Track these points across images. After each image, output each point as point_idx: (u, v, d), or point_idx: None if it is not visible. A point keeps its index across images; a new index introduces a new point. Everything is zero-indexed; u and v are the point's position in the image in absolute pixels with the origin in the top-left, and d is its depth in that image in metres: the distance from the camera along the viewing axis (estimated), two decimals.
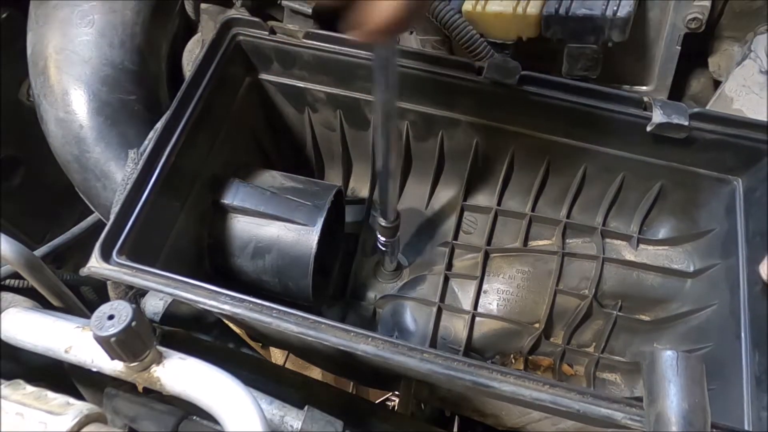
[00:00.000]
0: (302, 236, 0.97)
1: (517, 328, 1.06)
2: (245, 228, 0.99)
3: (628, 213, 1.05)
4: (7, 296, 0.78)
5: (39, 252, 1.19)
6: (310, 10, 1.06)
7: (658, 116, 0.86)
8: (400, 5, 0.52)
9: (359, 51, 0.94)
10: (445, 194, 1.14)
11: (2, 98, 1.23)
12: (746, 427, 0.76)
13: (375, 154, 0.80)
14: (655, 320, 1.03)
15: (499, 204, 1.10)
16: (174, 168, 0.85)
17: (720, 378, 0.85)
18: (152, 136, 0.94)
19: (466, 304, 1.08)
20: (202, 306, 0.71)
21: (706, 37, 1.05)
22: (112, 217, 0.78)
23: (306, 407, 0.73)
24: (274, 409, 0.74)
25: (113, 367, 0.67)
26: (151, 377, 0.66)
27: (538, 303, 1.06)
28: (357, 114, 1.05)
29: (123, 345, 0.61)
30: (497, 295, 1.08)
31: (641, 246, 1.06)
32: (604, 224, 1.07)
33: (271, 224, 0.98)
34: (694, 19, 0.97)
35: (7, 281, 1.02)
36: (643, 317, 1.05)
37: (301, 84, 1.03)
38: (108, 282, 0.98)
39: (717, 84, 1.08)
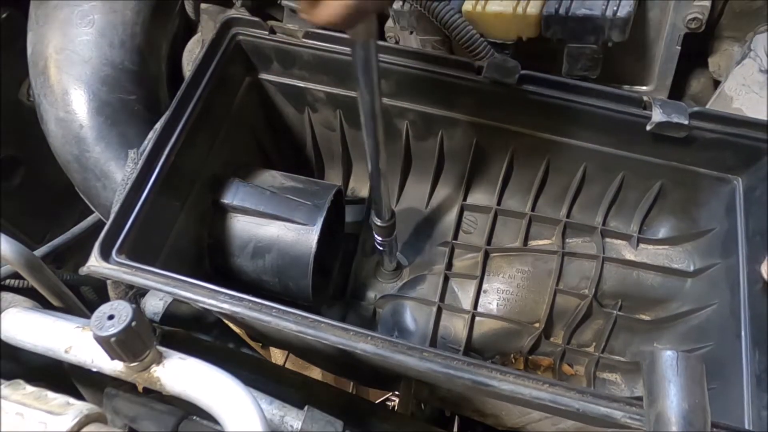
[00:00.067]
0: (302, 236, 0.97)
1: (517, 328, 1.06)
2: (245, 227, 0.99)
3: (628, 212, 1.05)
4: (7, 296, 0.78)
5: (39, 252, 1.19)
6: None
7: (657, 115, 0.86)
8: (345, 5, 0.56)
9: None
10: (445, 194, 1.14)
11: (2, 98, 1.23)
12: (746, 426, 0.76)
13: (367, 154, 0.80)
14: (656, 320, 1.03)
15: (498, 203, 1.10)
16: (174, 168, 0.85)
17: (720, 377, 0.85)
18: (152, 135, 0.94)
19: (466, 303, 1.08)
20: (201, 305, 0.71)
21: (706, 37, 1.05)
22: (111, 217, 0.78)
23: (306, 407, 0.73)
24: (274, 409, 0.74)
25: (113, 367, 0.67)
26: (151, 377, 0.66)
27: (538, 303, 1.06)
28: (357, 114, 1.02)
29: (123, 345, 0.61)
30: (497, 295, 1.08)
31: (641, 245, 1.05)
32: (604, 224, 1.07)
33: (270, 224, 0.98)
34: (694, 19, 0.97)
35: (7, 281, 1.02)
36: (643, 317, 1.05)
37: (301, 84, 1.03)
38: (108, 282, 0.98)
39: (717, 84, 1.08)
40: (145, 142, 0.95)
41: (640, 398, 0.62)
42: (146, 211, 0.81)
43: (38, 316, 0.74)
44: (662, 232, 1.05)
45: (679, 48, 1.01)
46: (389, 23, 1.13)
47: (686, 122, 0.86)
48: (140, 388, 0.71)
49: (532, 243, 1.10)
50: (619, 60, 1.05)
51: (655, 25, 1.02)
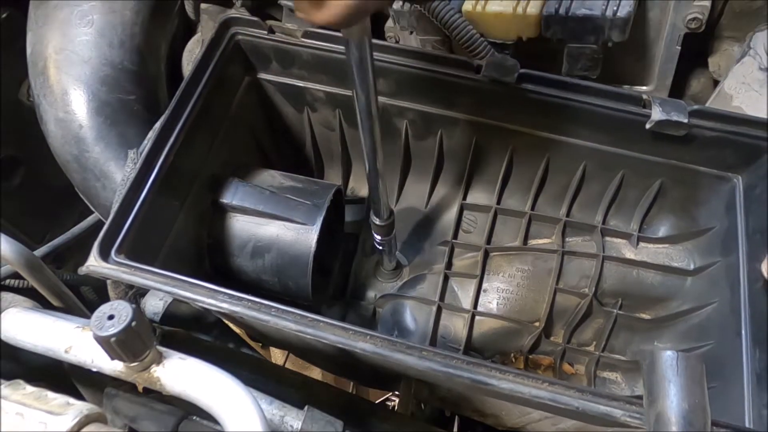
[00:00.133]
0: (301, 235, 0.97)
1: (517, 327, 1.06)
2: (244, 227, 0.99)
3: (628, 211, 1.05)
4: (7, 296, 0.78)
5: (39, 252, 1.19)
6: None
7: (657, 113, 0.86)
8: (346, 5, 0.55)
9: None
10: (445, 193, 1.14)
11: (2, 98, 1.23)
12: (747, 425, 0.76)
13: (364, 154, 0.80)
14: (656, 318, 1.03)
15: (498, 203, 1.10)
16: (173, 167, 0.85)
17: (721, 376, 0.85)
18: (151, 135, 0.94)
19: (466, 303, 1.08)
20: (200, 304, 0.71)
21: (706, 37, 1.05)
22: (110, 217, 0.78)
23: (306, 407, 0.73)
24: (274, 409, 0.74)
25: (113, 367, 0.67)
26: (151, 377, 0.66)
27: (538, 302, 1.06)
28: (356, 113, 1.05)
29: (123, 345, 0.61)
30: (497, 294, 1.08)
31: (641, 244, 1.05)
32: (603, 222, 1.07)
33: (270, 223, 0.98)
34: (694, 19, 0.97)
35: (7, 281, 1.02)
36: (643, 315, 1.05)
37: (300, 83, 1.03)
38: (108, 282, 0.98)
39: (717, 84, 1.08)
40: (145, 141, 0.95)
41: (639, 397, 0.62)
42: (145, 211, 0.81)
43: (38, 316, 0.74)
44: (662, 231, 1.04)
45: (679, 48, 1.02)
46: (389, 23, 1.13)
47: (686, 120, 0.85)
48: (140, 388, 0.71)
49: (532, 242, 1.10)
50: (619, 60, 1.05)
51: (655, 25, 1.02)
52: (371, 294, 1.13)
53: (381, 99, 0.96)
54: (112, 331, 0.60)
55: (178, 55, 1.28)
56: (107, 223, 0.78)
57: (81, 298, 0.89)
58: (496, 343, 1.07)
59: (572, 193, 1.06)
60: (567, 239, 1.08)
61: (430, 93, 0.98)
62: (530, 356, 1.08)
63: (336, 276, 1.13)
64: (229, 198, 0.98)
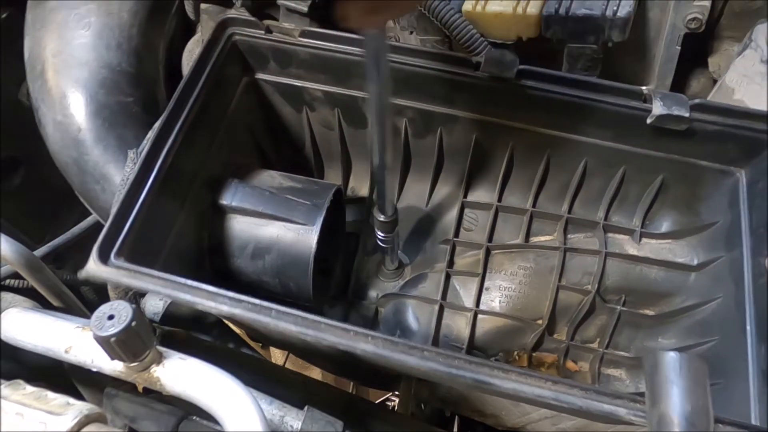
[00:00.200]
0: (302, 236, 0.96)
1: (520, 325, 1.05)
2: (244, 228, 0.98)
3: (630, 207, 1.04)
4: (7, 296, 0.79)
5: (39, 252, 1.19)
6: (305, 8, 1.05)
7: (658, 108, 0.85)
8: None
9: (356, 49, 0.94)
10: (445, 191, 1.13)
11: (2, 98, 1.23)
12: (753, 422, 0.75)
13: (371, 148, 0.80)
14: (660, 314, 1.02)
15: (499, 200, 1.09)
16: (172, 169, 0.85)
17: (726, 372, 0.84)
18: (151, 135, 0.94)
19: (468, 301, 1.07)
20: (200, 307, 0.71)
21: (706, 37, 1.05)
22: (109, 219, 0.78)
23: (306, 407, 0.73)
24: (274, 409, 0.74)
25: (113, 367, 0.67)
26: (151, 377, 0.66)
27: (540, 299, 1.06)
28: (355, 112, 1.05)
29: (123, 345, 0.61)
30: (499, 292, 1.07)
31: (644, 240, 1.05)
32: (605, 219, 1.06)
33: (270, 224, 0.97)
34: (694, 19, 0.97)
35: (7, 281, 1.02)
36: (647, 312, 1.04)
37: (298, 83, 1.02)
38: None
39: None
40: (145, 141, 0.95)
41: (643, 394, 0.62)
42: (144, 213, 0.80)
43: (38, 316, 0.74)
44: (665, 226, 1.04)
45: (679, 48, 1.01)
46: (389, 23, 1.13)
47: (687, 115, 0.85)
48: (140, 388, 0.71)
49: (534, 239, 1.09)
50: (619, 60, 1.05)
51: (655, 25, 1.02)
52: (373, 293, 1.12)
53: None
54: (112, 331, 0.60)
55: (177, 55, 1.27)
56: (106, 226, 0.77)
57: (81, 298, 0.89)
58: (499, 341, 1.07)
59: (573, 189, 1.05)
60: (569, 236, 1.08)
61: (429, 91, 0.97)
62: (534, 354, 1.08)
63: (337, 276, 1.13)
64: (228, 199, 0.97)
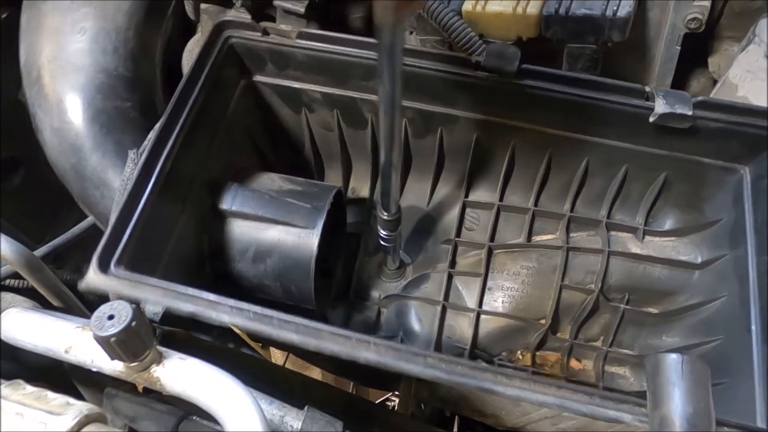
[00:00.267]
0: (303, 239, 0.96)
1: (523, 325, 1.05)
2: (245, 232, 0.98)
3: (633, 205, 1.04)
4: (7, 296, 0.79)
5: (39, 252, 1.18)
6: (302, 10, 1.04)
7: (660, 106, 0.84)
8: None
9: (353, 50, 0.93)
10: (446, 191, 1.13)
11: (2, 98, 1.22)
12: (758, 423, 0.75)
13: (378, 144, 0.79)
14: (663, 313, 1.02)
15: (501, 199, 1.09)
16: (171, 174, 0.84)
17: (730, 372, 0.83)
18: (151, 136, 0.93)
19: (471, 302, 1.07)
20: (201, 318, 0.70)
21: (706, 37, 1.04)
22: (109, 228, 0.77)
23: (306, 407, 0.73)
24: (274, 409, 0.74)
25: (113, 367, 0.67)
26: (151, 377, 0.66)
27: (543, 299, 1.05)
28: (354, 113, 1.04)
29: (123, 345, 0.61)
30: (502, 292, 1.07)
31: (647, 238, 1.04)
32: (608, 217, 1.05)
33: (271, 228, 0.97)
34: (694, 19, 0.96)
35: (7, 281, 1.01)
36: (650, 310, 1.03)
37: (296, 85, 1.02)
38: None
39: (717, 84, 1.07)
40: (146, 142, 0.94)
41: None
42: (144, 219, 0.80)
43: (38, 316, 0.74)
44: (668, 224, 1.03)
45: (679, 48, 1.01)
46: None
47: (690, 113, 0.84)
48: (140, 388, 0.71)
49: (536, 238, 1.09)
50: (619, 60, 1.04)
51: (655, 25, 1.01)
52: (375, 294, 1.12)
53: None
54: (112, 331, 0.60)
55: (176, 55, 1.26)
56: (106, 234, 0.76)
57: (81, 298, 0.88)
58: (502, 341, 1.06)
59: (576, 188, 1.04)
60: (571, 235, 1.07)
61: (429, 91, 0.96)
62: (537, 353, 1.07)
63: (339, 277, 1.13)
64: (228, 203, 0.97)
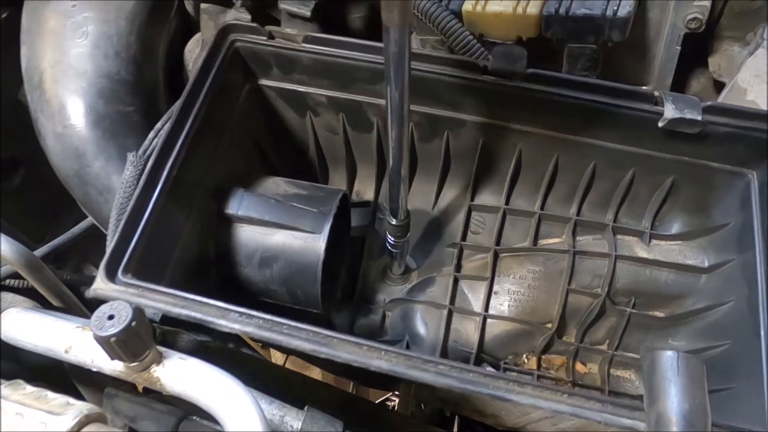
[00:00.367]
0: (309, 244, 0.95)
1: (530, 329, 1.05)
2: (251, 237, 0.97)
3: (640, 209, 1.04)
4: (7, 296, 0.78)
5: (39, 252, 1.18)
6: (308, 13, 1.03)
7: (670, 111, 0.84)
8: None
9: (359, 54, 0.92)
10: (452, 194, 1.12)
11: (2, 98, 1.21)
12: (767, 430, 0.75)
13: (384, 149, 0.78)
14: (670, 316, 1.02)
15: (507, 203, 1.08)
16: (177, 180, 0.84)
17: (738, 377, 0.83)
18: (152, 136, 0.92)
19: (477, 305, 1.06)
20: (212, 326, 0.70)
21: (706, 37, 1.04)
22: (116, 236, 0.77)
23: (306, 407, 0.73)
24: (274, 409, 0.73)
25: (113, 367, 0.67)
26: (151, 377, 0.66)
27: (550, 303, 1.05)
28: (359, 116, 1.03)
29: (123, 345, 0.61)
30: (508, 296, 1.06)
31: (654, 242, 1.04)
32: (615, 221, 1.05)
33: (277, 233, 0.96)
34: (694, 19, 0.96)
35: (7, 281, 1.00)
36: (657, 314, 1.03)
37: (301, 88, 1.01)
38: None
39: (717, 84, 1.08)
40: (146, 142, 0.93)
41: None
42: (151, 227, 0.79)
43: (38, 316, 0.74)
44: (675, 228, 1.03)
45: (679, 48, 1.01)
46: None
47: (700, 118, 0.83)
48: (140, 388, 0.71)
49: (542, 242, 1.09)
50: (619, 60, 1.04)
51: (655, 25, 1.01)
52: (380, 297, 1.12)
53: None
54: (112, 331, 0.60)
55: (179, 55, 1.25)
56: (113, 242, 0.76)
57: (81, 298, 0.88)
58: (508, 345, 1.06)
59: (582, 192, 1.04)
60: (578, 238, 1.07)
61: (435, 95, 0.96)
62: (543, 356, 1.07)
63: (343, 280, 1.12)
64: (234, 209, 0.96)
